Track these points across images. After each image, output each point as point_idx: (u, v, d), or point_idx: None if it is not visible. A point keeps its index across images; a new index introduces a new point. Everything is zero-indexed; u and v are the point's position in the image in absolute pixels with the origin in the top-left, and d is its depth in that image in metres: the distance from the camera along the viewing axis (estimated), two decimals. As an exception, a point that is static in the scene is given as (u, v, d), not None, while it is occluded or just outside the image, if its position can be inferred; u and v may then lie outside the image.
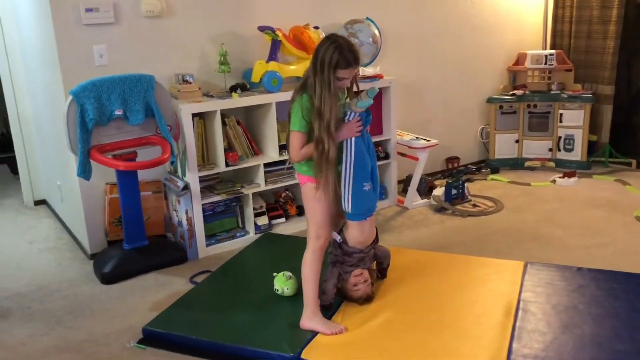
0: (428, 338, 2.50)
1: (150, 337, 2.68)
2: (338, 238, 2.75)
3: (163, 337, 2.66)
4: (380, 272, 3.01)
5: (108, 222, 3.59)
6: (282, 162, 3.73)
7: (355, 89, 2.65)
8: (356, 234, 2.73)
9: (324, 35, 3.62)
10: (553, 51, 5.06)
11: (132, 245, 3.40)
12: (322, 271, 2.70)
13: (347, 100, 2.65)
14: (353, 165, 2.61)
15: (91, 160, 3.15)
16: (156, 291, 3.16)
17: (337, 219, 2.78)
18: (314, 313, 2.62)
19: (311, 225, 2.65)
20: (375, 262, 2.94)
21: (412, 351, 2.42)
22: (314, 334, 2.56)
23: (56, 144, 3.80)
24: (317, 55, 2.48)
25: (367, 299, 2.79)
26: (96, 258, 3.48)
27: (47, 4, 3.25)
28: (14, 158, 4.75)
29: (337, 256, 2.77)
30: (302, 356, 2.42)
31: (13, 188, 5.11)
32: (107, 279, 3.28)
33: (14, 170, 5.06)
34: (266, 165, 3.71)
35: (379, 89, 3.76)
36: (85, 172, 3.15)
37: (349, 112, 2.61)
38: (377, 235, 2.85)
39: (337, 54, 2.43)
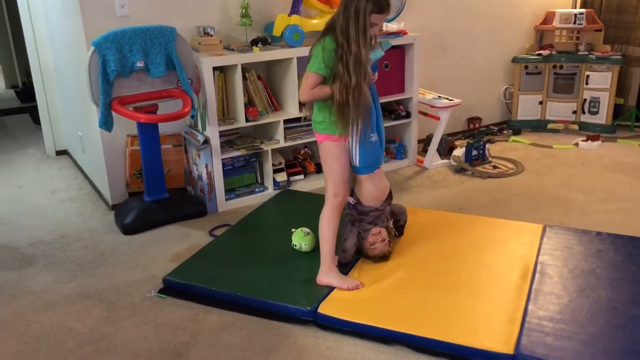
0: (443, 297, 2.53)
1: (171, 287, 2.74)
2: (352, 200, 2.76)
3: (183, 287, 2.71)
4: (398, 229, 3.02)
5: (129, 173, 3.63)
6: (302, 119, 3.71)
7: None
8: (369, 188, 2.74)
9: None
10: (583, 10, 4.90)
11: (153, 197, 3.44)
12: (340, 229, 2.72)
13: None
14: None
15: (112, 112, 3.16)
16: (176, 243, 3.22)
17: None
18: (330, 269, 2.65)
19: (329, 183, 2.65)
20: (392, 219, 2.95)
21: (427, 309, 2.45)
22: (331, 289, 2.59)
23: (78, 94, 3.81)
24: (350, 2, 2.44)
25: (383, 257, 2.82)
26: (117, 209, 3.53)
27: (68, -48, 3.21)
28: (35, 108, 4.79)
29: (354, 216, 2.79)
30: (319, 310, 2.46)
31: (35, 138, 5.17)
32: (128, 229, 3.33)
33: (36, 120, 5.10)
34: (286, 121, 3.70)
35: (393, 45, 3.72)
36: (106, 123, 3.16)
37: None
38: (390, 191, 2.86)
39: (373, 0, 2.42)
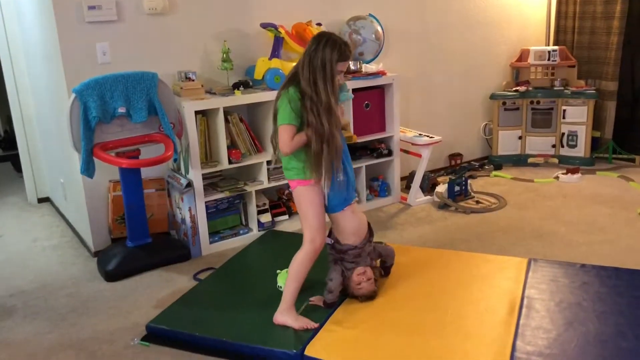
0: (431, 336, 2.50)
1: (154, 334, 2.68)
2: (329, 240, 2.77)
3: (167, 334, 2.66)
4: (384, 270, 3.01)
5: (111, 219, 3.59)
6: (271, 161, 3.69)
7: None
8: (344, 224, 2.74)
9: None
10: (556, 47, 5.04)
11: (136, 242, 3.40)
12: (325, 270, 2.71)
13: None
14: None
15: (94, 158, 3.15)
16: (160, 288, 3.17)
17: None
18: (287, 309, 2.64)
19: (306, 228, 2.65)
20: (379, 259, 2.94)
21: (415, 349, 2.42)
22: (317, 331, 2.56)
23: (59, 141, 3.80)
24: (314, 53, 2.52)
25: (370, 297, 2.79)
26: (100, 256, 3.49)
27: (50, 2, 3.25)
28: (17, 156, 4.76)
29: (334, 254, 2.79)
30: (306, 353, 2.42)
31: (16, 186, 5.12)
32: (111, 276, 3.28)
33: (18, 168, 5.07)
34: (269, 162, 3.71)
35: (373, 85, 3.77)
36: (88, 169, 3.15)
37: None
38: (371, 229, 2.86)
39: (337, 50, 2.51)
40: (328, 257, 2.82)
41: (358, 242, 2.77)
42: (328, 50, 2.50)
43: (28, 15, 3.95)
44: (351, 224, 2.76)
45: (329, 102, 2.49)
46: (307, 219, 2.64)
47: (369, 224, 2.87)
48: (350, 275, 2.76)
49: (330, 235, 2.80)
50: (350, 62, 4.01)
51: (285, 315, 2.63)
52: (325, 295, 2.73)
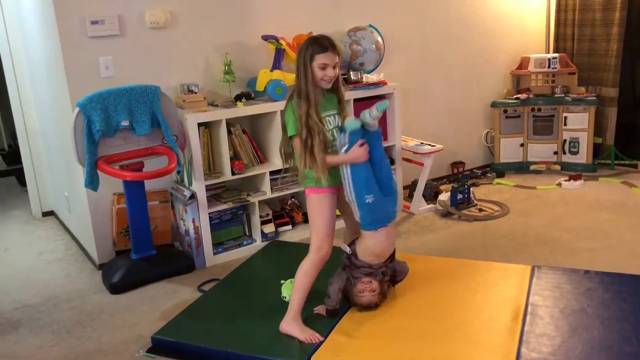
0: (436, 344, 2.50)
1: (159, 346, 2.69)
2: (347, 249, 2.73)
3: (172, 345, 2.67)
4: (392, 282, 2.95)
5: (116, 232, 3.61)
6: (287, 169, 3.73)
7: (341, 94, 2.70)
8: (371, 244, 2.69)
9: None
10: (556, 54, 5.06)
11: (140, 255, 3.42)
12: (330, 274, 2.72)
13: (334, 117, 2.66)
14: (349, 179, 2.60)
15: (98, 171, 3.17)
16: (164, 300, 3.18)
17: (355, 229, 2.78)
18: (293, 319, 2.63)
19: (313, 237, 2.65)
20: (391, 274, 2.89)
21: (420, 357, 2.42)
22: (321, 341, 2.56)
23: (63, 155, 3.83)
24: (298, 58, 2.56)
25: (369, 308, 2.77)
26: (104, 268, 3.50)
27: (53, 17, 3.29)
28: (21, 170, 4.79)
29: (346, 263, 2.77)
30: (311, 363, 2.42)
31: (21, 199, 5.14)
32: (116, 288, 3.29)
33: (22, 182, 5.09)
34: (272, 173, 3.73)
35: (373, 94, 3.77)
36: (92, 183, 3.17)
37: (342, 137, 2.60)
38: (393, 253, 2.80)
39: (312, 43, 2.53)
40: (342, 261, 2.78)
41: (375, 263, 2.73)
42: (303, 49, 2.54)
43: (32, 30, 3.99)
44: (378, 245, 2.70)
45: (309, 107, 2.50)
46: (315, 227, 2.64)
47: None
48: (356, 283, 2.74)
49: (350, 244, 2.75)
50: (351, 72, 4.05)
51: (291, 325, 2.62)
52: (325, 300, 2.73)
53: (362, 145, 2.56)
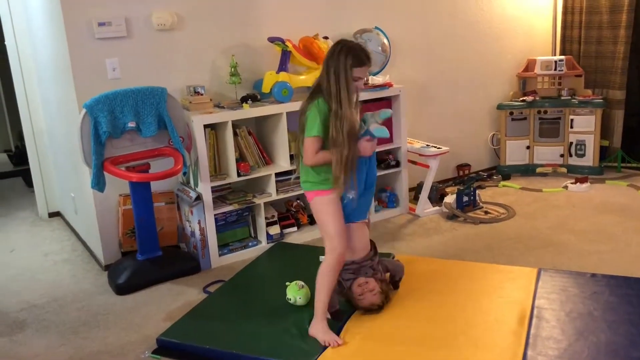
0: (441, 347, 2.50)
1: (165, 347, 2.69)
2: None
3: (177, 347, 2.67)
4: (393, 284, 2.98)
5: (122, 233, 3.62)
6: (293, 171, 3.74)
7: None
8: (349, 237, 2.73)
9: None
10: (563, 57, 5.05)
11: (146, 256, 3.42)
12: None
13: (370, 119, 2.70)
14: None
15: (105, 172, 3.18)
16: (170, 301, 3.18)
17: None
18: (318, 322, 2.64)
19: (326, 238, 2.67)
20: (387, 273, 2.93)
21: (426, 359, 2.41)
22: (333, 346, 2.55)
23: (70, 156, 3.84)
24: (331, 61, 2.54)
25: (373, 309, 2.77)
26: (110, 269, 3.51)
27: (61, 19, 3.30)
28: (28, 171, 4.81)
29: None
30: (316, 365, 2.42)
31: (27, 200, 5.17)
32: (122, 289, 3.30)
33: (29, 182, 5.12)
34: (277, 174, 3.73)
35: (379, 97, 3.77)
36: (99, 184, 3.18)
37: (365, 130, 2.65)
38: (375, 247, 2.86)
39: (352, 55, 2.52)
40: None
41: (356, 257, 2.77)
42: (342, 57, 2.51)
43: (39, 32, 4.01)
44: (353, 240, 2.75)
45: (344, 112, 2.49)
46: (326, 229, 2.65)
47: (372, 242, 2.87)
48: (350, 286, 2.75)
49: None
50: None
51: (315, 329, 2.63)
52: None
53: (369, 140, 2.61)
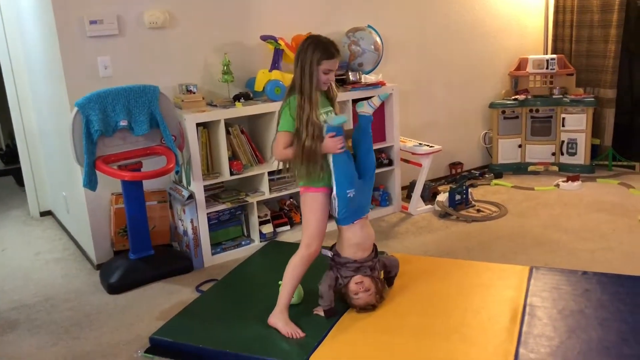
0: (434, 344, 2.51)
1: (158, 346, 2.69)
2: (329, 253, 2.78)
3: (170, 346, 2.66)
4: (387, 280, 2.99)
5: (114, 232, 3.61)
6: (287, 169, 3.73)
7: (332, 94, 2.75)
8: (349, 236, 2.75)
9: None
10: (554, 56, 5.07)
11: (138, 255, 3.41)
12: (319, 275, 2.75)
13: (329, 114, 2.70)
14: (333, 173, 2.65)
15: (97, 171, 3.17)
16: (162, 300, 3.18)
17: None
18: (280, 312, 2.69)
19: (304, 233, 2.71)
20: (382, 270, 2.94)
21: (418, 358, 2.42)
22: (320, 341, 2.56)
23: (61, 155, 3.82)
24: (300, 55, 2.58)
25: (367, 308, 2.78)
26: (102, 268, 3.49)
27: (52, 17, 3.28)
28: (19, 169, 4.78)
29: (333, 264, 2.80)
30: (309, 364, 2.42)
31: (19, 199, 5.13)
32: (114, 289, 3.29)
33: (20, 181, 5.08)
34: (270, 173, 3.73)
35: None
36: (90, 182, 3.17)
37: (325, 126, 2.63)
38: (376, 248, 2.86)
39: (320, 48, 2.55)
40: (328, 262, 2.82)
41: (359, 257, 2.76)
42: (310, 51, 2.55)
43: (30, 30, 3.98)
44: (357, 235, 2.75)
45: (314, 107, 2.53)
46: (307, 225, 2.69)
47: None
48: (347, 283, 2.76)
49: (331, 248, 2.81)
50: (350, 73, 4.05)
51: (277, 318, 2.68)
52: (319, 301, 2.74)
53: (332, 137, 2.60)
